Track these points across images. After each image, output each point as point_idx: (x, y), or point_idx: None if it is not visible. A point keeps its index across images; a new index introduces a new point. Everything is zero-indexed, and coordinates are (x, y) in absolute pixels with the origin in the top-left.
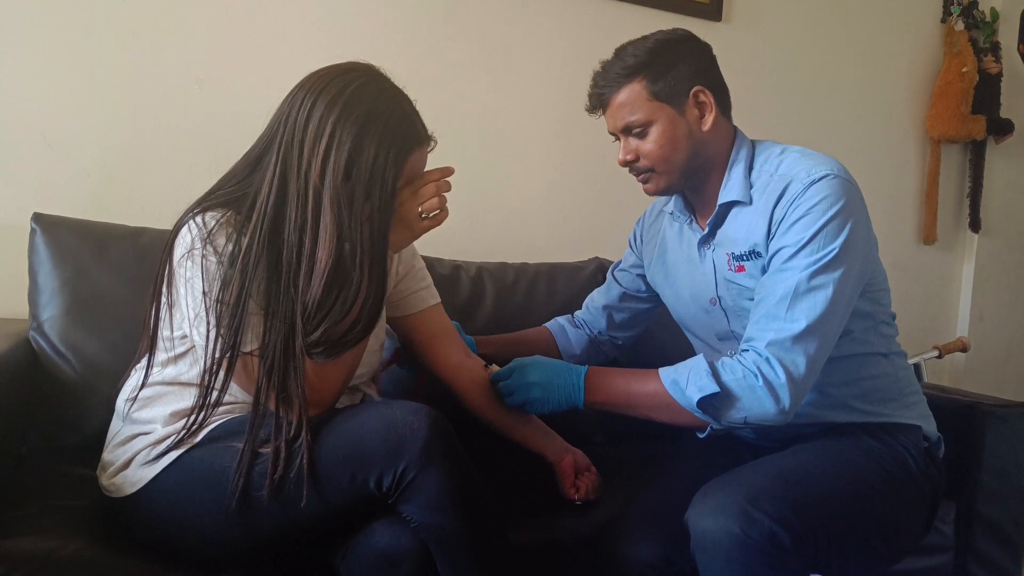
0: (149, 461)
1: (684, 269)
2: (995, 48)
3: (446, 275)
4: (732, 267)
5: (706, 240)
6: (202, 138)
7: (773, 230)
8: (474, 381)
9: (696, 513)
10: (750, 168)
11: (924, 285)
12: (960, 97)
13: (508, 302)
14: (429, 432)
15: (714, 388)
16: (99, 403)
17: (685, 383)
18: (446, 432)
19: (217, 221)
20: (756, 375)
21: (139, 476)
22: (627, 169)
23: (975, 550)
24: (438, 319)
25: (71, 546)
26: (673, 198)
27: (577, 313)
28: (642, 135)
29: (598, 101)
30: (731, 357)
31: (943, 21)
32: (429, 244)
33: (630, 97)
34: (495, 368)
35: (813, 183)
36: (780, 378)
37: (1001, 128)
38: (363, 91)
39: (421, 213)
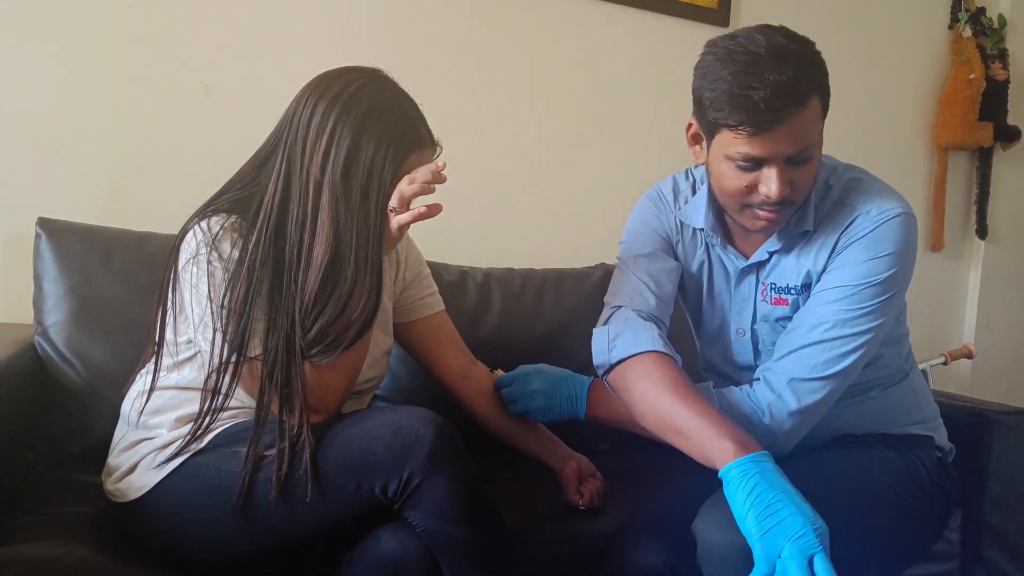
0: (154, 466)
1: (721, 290)
2: (1003, 55)
3: (453, 281)
4: (769, 299)
5: (754, 267)
6: (210, 144)
7: (833, 260)
8: (480, 390)
9: (704, 524)
10: (819, 199)
11: (931, 292)
12: (967, 104)
13: (515, 309)
14: (436, 438)
15: None
16: (105, 409)
17: None
18: (452, 439)
19: (222, 226)
20: (764, 413)
21: (144, 481)
22: (755, 201)
23: (981, 558)
24: (444, 326)
25: (76, 552)
26: (703, 213)
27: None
28: (804, 161)
29: (772, 118)
30: (739, 388)
31: (950, 28)
32: (435, 250)
33: (812, 115)
34: (500, 373)
35: (885, 222)
36: (789, 407)
37: (1008, 135)
38: (365, 90)
39: (389, 206)
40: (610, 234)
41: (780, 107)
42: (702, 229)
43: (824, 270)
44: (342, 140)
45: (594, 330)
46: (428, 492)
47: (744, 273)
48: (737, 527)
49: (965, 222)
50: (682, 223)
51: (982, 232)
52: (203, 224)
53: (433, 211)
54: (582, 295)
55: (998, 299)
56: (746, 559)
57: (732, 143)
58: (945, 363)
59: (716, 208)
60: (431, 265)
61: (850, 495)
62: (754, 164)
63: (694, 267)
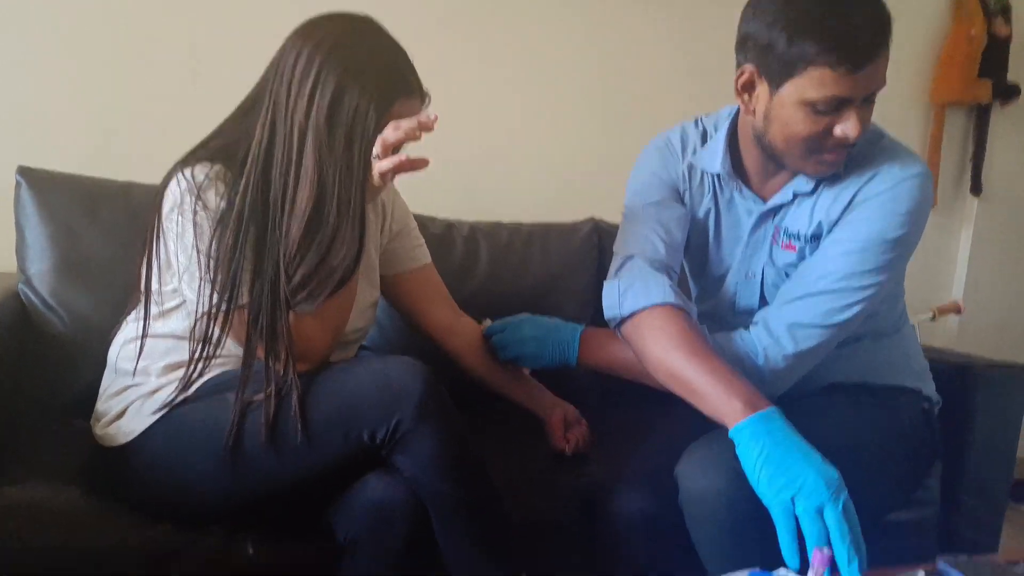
0: (144, 413)
1: (729, 235)
2: (1006, 10)
3: (439, 235)
4: (780, 243)
5: (771, 212)
6: (197, 95)
7: (848, 212)
8: (468, 342)
9: (684, 469)
10: None
11: (921, 248)
12: (967, 62)
13: (502, 263)
14: (424, 390)
15: None
16: (90, 357)
17: None
18: (440, 392)
19: (206, 175)
20: (758, 355)
21: (133, 426)
22: (826, 145)
23: (959, 504)
24: (431, 279)
25: (63, 495)
26: (720, 158)
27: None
28: (872, 100)
29: (870, 53)
30: (735, 331)
31: None
32: (421, 203)
33: (886, 56)
34: (489, 322)
35: (905, 180)
36: (785, 351)
37: (1008, 93)
38: (352, 36)
39: (373, 154)
40: (599, 188)
41: (878, 41)
42: (718, 175)
43: (837, 221)
44: (327, 85)
45: (605, 283)
46: (415, 441)
47: (763, 217)
48: (718, 472)
49: (958, 179)
50: (689, 171)
51: (976, 189)
52: (187, 172)
53: (417, 164)
54: (570, 249)
55: (988, 256)
56: (726, 503)
57: (818, 85)
58: (933, 318)
59: (735, 152)
60: (417, 218)
61: (833, 445)
62: (836, 105)
63: (700, 213)
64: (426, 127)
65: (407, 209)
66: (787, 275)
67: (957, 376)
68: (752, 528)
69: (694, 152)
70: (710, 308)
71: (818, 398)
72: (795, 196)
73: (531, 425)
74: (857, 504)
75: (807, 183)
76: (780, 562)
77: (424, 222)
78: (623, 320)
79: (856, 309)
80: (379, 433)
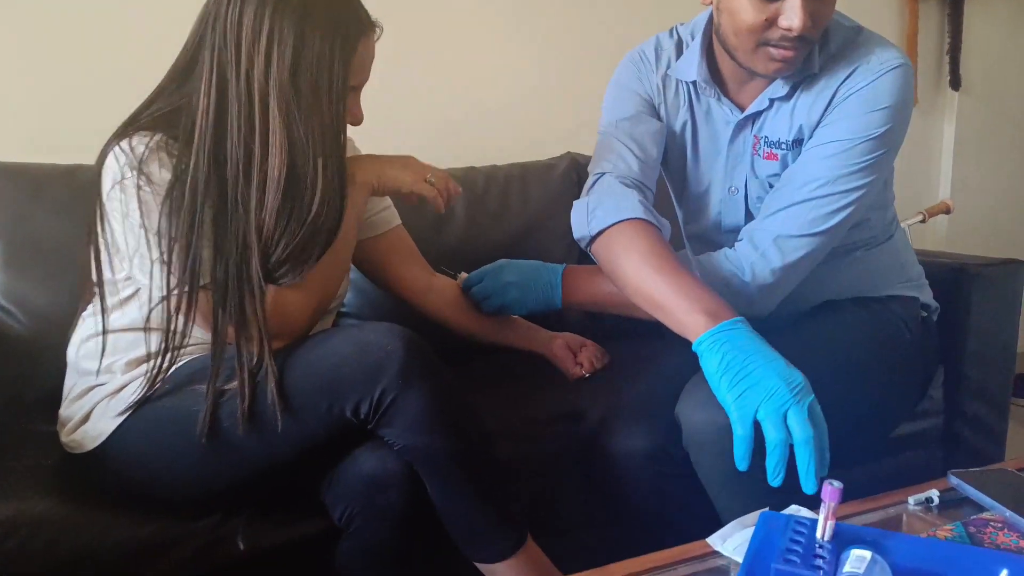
0: (111, 415)
1: (707, 148)
2: None
3: None
4: (761, 153)
5: (750, 118)
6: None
7: (829, 112)
8: (446, 300)
9: (685, 406)
10: (820, 47)
11: (906, 149)
12: None
13: (480, 210)
14: (405, 353)
15: None
16: (51, 356)
17: None
18: (423, 351)
19: (146, 146)
20: (745, 271)
21: (100, 429)
22: (772, 38)
23: (963, 411)
24: (403, 240)
25: (40, 506)
26: (696, 63)
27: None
28: None
29: None
30: (720, 251)
31: None
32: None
33: None
34: (465, 275)
35: (884, 73)
36: (772, 265)
37: None
38: None
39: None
40: (574, 120)
41: None
42: (694, 82)
43: (818, 124)
44: (284, 38)
45: (575, 202)
46: (402, 408)
47: (740, 126)
48: (719, 407)
49: (938, 75)
50: (664, 83)
51: (955, 83)
52: (123, 145)
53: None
54: (549, 188)
55: (973, 152)
56: (728, 436)
57: None
58: (923, 220)
59: (711, 59)
60: None
61: (834, 363)
62: None
63: (677, 127)
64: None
65: None
66: (771, 187)
67: (951, 278)
68: (761, 462)
69: (668, 64)
70: (697, 230)
71: (812, 317)
72: (772, 102)
73: (529, 376)
74: (865, 421)
75: (783, 87)
76: (792, 498)
77: None
78: (593, 239)
79: (844, 214)
80: (363, 407)
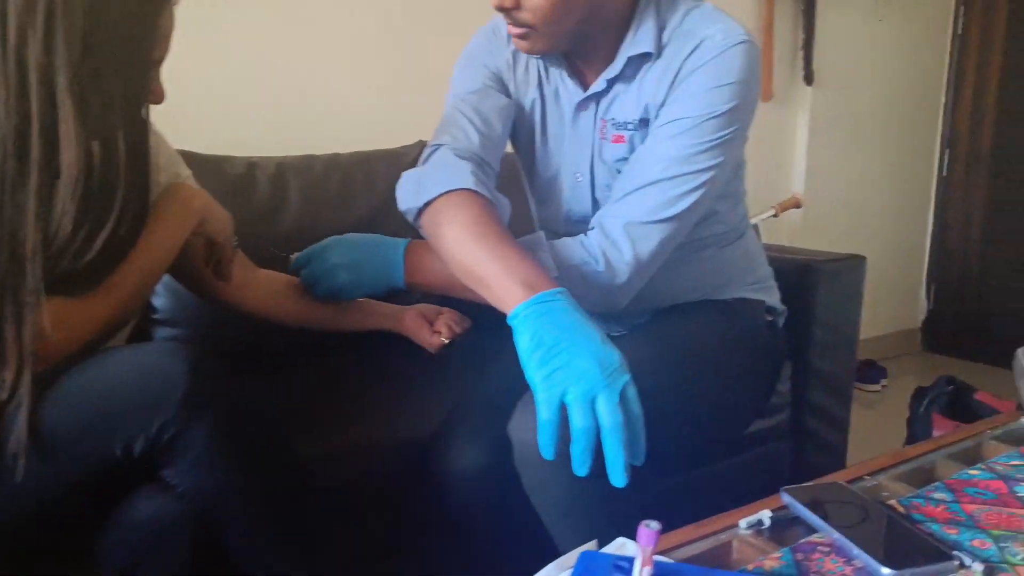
0: None
1: (556, 131)
2: None
3: (239, 175)
4: (610, 136)
5: (589, 100)
6: None
7: (674, 89)
8: (266, 294)
9: (516, 424)
10: (660, 26)
11: (762, 143)
12: None
13: (318, 200)
14: (190, 377)
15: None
16: None
17: None
18: (213, 373)
19: None
20: (598, 260)
21: None
22: (501, 13)
23: (809, 403)
24: None
25: None
26: None
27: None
28: None
29: None
30: (573, 238)
31: None
32: (217, 142)
33: None
34: (296, 257)
35: (729, 48)
36: (625, 257)
37: None
38: None
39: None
40: (425, 107)
41: None
42: (543, 62)
43: (664, 103)
44: (73, 7)
45: (404, 173)
46: (185, 444)
47: (581, 107)
48: None
49: (792, 68)
50: (515, 58)
51: (808, 78)
52: None
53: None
54: (398, 175)
55: (826, 146)
56: (564, 460)
57: None
58: (775, 215)
59: None
60: (209, 160)
61: (681, 367)
62: None
63: (527, 105)
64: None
65: (176, 156)
66: (619, 172)
67: (799, 273)
68: (597, 489)
69: None
70: (549, 220)
71: (662, 319)
72: (609, 84)
73: (366, 382)
74: (712, 425)
75: (618, 67)
76: (636, 524)
77: (218, 164)
78: (420, 212)
79: (694, 197)
80: (136, 445)
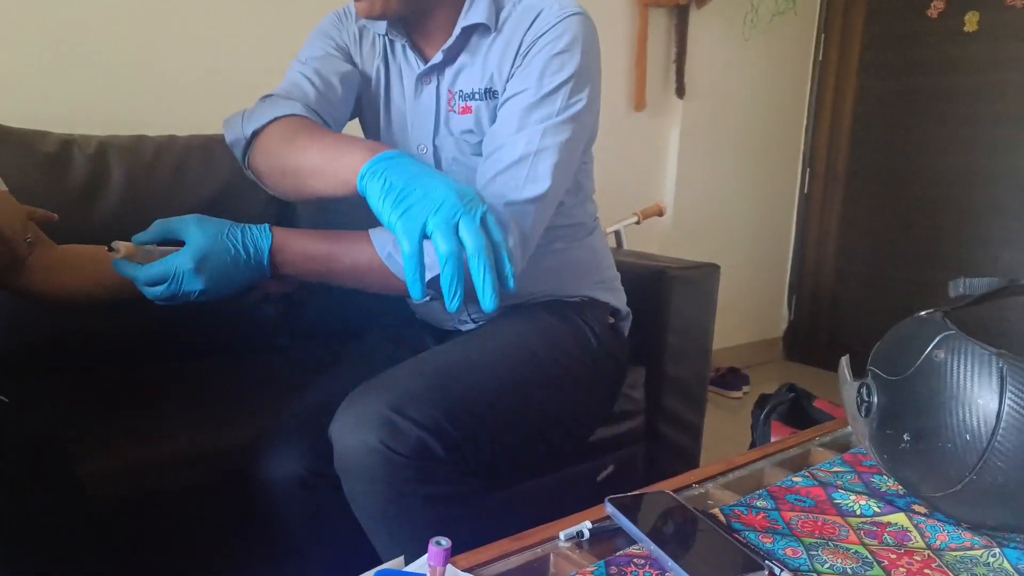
0: None
1: (399, 105)
2: None
3: (52, 153)
4: (456, 108)
5: (431, 72)
6: None
7: (518, 62)
8: (77, 270)
9: (337, 427)
10: (498, 4)
11: (634, 153)
12: None
13: (145, 183)
14: None
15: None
16: None
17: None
18: None
19: None
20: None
21: None
22: None
23: (663, 409)
24: None
25: None
26: None
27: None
28: None
29: None
30: None
31: None
32: (29, 114)
33: None
34: (120, 247)
35: (567, 17)
36: (514, 239)
37: None
38: None
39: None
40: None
41: None
42: (384, 34)
43: (510, 77)
44: None
45: (230, 116)
46: None
47: (423, 80)
48: (370, 427)
49: (666, 81)
50: (362, 32)
51: (680, 91)
52: None
53: None
54: (239, 165)
55: (696, 157)
56: (382, 461)
57: None
58: (638, 222)
59: None
60: (21, 135)
61: (505, 373)
62: None
63: (372, 76)
64: None
65: None
66: (467, 144)
67: (653, 279)
68: (416, 485)
69: None
70: None
71: (504, 321)
72: (445, 55)
73: (187, 389)
74: (546, 440)
75: (453, 37)
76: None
77: (31, 138)
78: (248, 144)
79: (560, 171)
80: None
